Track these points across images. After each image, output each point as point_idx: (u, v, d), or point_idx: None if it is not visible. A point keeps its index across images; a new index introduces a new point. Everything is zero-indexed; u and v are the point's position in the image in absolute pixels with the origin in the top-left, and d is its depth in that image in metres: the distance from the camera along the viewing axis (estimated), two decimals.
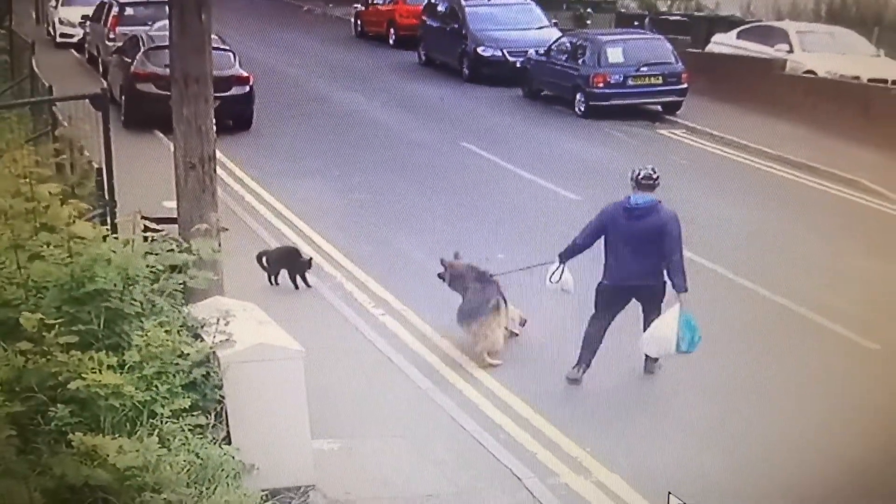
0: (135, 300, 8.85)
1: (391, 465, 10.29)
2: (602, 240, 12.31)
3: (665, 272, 12.08)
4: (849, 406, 11.80)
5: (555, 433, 11.11)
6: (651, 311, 12.29)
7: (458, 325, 13.11)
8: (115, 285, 8.65)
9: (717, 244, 16.72)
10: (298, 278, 15.12)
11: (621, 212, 12.14)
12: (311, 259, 15.43)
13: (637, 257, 12.06)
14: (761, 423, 11.43)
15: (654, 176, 12.18)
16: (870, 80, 27.90)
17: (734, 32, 33.31)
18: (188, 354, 8.61)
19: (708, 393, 12.13)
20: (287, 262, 15.25)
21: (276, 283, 15.07)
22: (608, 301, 12.38)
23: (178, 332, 8.83)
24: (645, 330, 12.28)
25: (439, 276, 13.67)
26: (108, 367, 7.89)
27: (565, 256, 12.54)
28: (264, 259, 15.27)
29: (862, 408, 11.76)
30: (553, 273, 12.58)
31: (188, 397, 8.31)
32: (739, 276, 15.66)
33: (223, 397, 8.83)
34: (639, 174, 12.14)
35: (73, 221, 9.19)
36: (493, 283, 13.16)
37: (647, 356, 12.53)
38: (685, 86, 27.93)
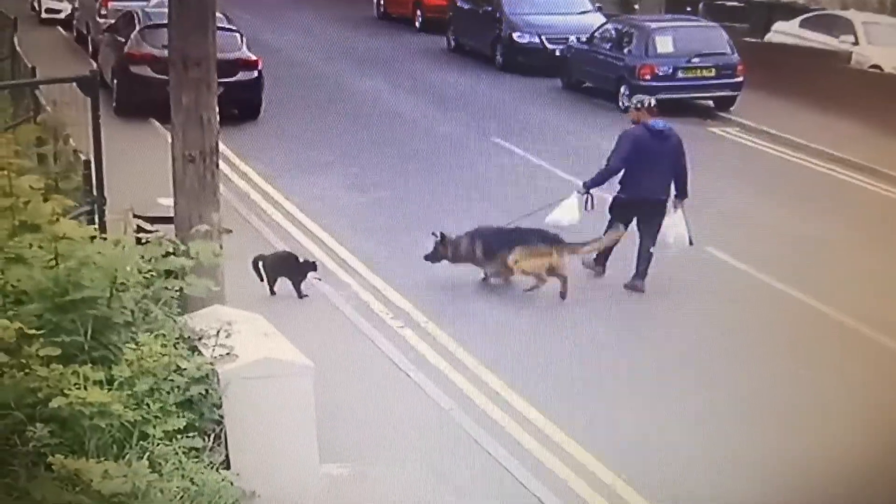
0: (125, 308, 8.77)
1: (407, 493, 10.21)
2: None
3: (674, 182, 15.39)
4: None
5: (590, 460, 11.03)
6: (653, 225, 15.34)
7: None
8: (102, 291, 8.56)
9: (771, 255, 16.64)
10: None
11: (648, 135, 15.33)
12: (314, 262, 15.31)
13: (656, 174, 15.25)
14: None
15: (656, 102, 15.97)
16: None
17: (797, 21, 33.17)
18: (184, 370, 8.53)
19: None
20: (286, 269, 15.08)
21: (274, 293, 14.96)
22: (624, 213, 15.43)
23: (174, 344, 8.74)
24: (641, 240, 15.44)
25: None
26: (94, 382, 7.82)
27: (594, 183, 15.58)
28: (261, 265, 15.04)
29: None
30: (586, 204, 15.57)
31: (183, 417, 8.25)
32: (793, 289, 15.56)
33: (222, 417, 8.77)
34: (648, 103, 15.73)
35: (57, 219, 9.08)
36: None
37: (633, 277, 15.43)
38: (740, 79, 27.68)
